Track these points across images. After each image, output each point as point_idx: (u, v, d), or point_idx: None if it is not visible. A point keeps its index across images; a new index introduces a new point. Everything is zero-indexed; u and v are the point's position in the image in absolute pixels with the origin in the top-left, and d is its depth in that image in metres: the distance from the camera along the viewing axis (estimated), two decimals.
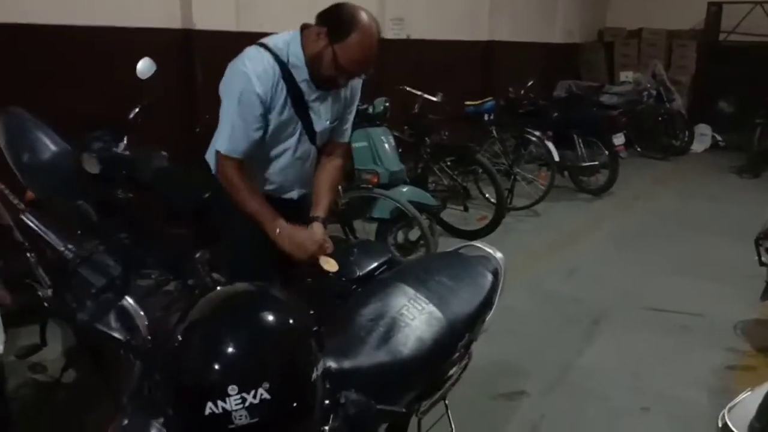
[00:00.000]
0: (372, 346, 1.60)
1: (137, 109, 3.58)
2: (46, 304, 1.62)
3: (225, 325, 1.10)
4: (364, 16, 2.05)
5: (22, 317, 2.35)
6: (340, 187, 3.85)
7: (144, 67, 3.54)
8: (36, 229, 1.06)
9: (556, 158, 5.86)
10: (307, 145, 2.31)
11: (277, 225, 2.15)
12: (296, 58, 2.13)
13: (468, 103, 5.81)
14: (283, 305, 1.20)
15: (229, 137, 2.15)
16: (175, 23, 4.65)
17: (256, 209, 2.18)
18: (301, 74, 2.14)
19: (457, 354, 1.82)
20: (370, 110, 4.22)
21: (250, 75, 2.08)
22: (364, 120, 4.17)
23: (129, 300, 1.08)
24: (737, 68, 8.80)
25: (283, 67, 2.12)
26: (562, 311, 3.81)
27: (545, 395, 2.89)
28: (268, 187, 2.33)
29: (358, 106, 4.26)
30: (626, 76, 9.42)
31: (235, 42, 4.82)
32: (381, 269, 2.01)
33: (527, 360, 3.17)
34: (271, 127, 2.18)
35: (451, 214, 5.09)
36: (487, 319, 1.96)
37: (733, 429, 1.58)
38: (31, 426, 2.53)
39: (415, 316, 1.72)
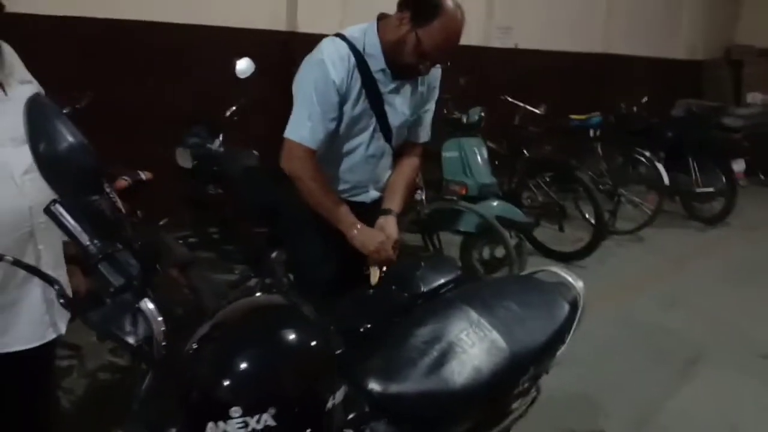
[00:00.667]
0: (422, 371, 1.49)
1: (234, 108, 3.67)
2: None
3: (237, 342, 1.03)
4: (449, 1, 1.96)
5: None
6: (423, 195, 3.75)
7: (243, 66, 3.62)
8: (62, 220, 1.04)
9: (666, 181, 5.45)
10: (381, 142, 2.19)
11: (353, 224, 2.08)
12: (372, 46, 2.05)
13: (573, 116, 5.54)
14: (304, 325, 1.11)
15: (303, 125, 2.03)
16: (280, 25, 4.74)
17: (329, 206, 2.10)
18: (376, 64, 2.05)
19: (519, 388, 1.67)
20: (465, 119, 4.09)
21: (326, 62, 2.00)
22: (457, 129, 4.05)
23: (148, 303, 1.04)
24: None
25: (359, 56, 2.04)
26: (655, 346, 3.50)
27: None
28: (339, 188, 2.21)
29: (452, 114, 4.21)
30: (754, 97, 8.70)
31: None
32: (448, 287, 1.90)
33: (609, 397, 2.92)
34: (344, 120, 2.08)
35: (546, 233, 4.86)
36: (558, 353, 1.79)
37: None
38: (103, 410, 2.60)
39: (475, 343, 1.59)
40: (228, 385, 0.98)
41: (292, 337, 1.06)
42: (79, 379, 2.78)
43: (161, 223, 2.72)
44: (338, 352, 1.13)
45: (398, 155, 2.30)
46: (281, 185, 2.21)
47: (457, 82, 4.42)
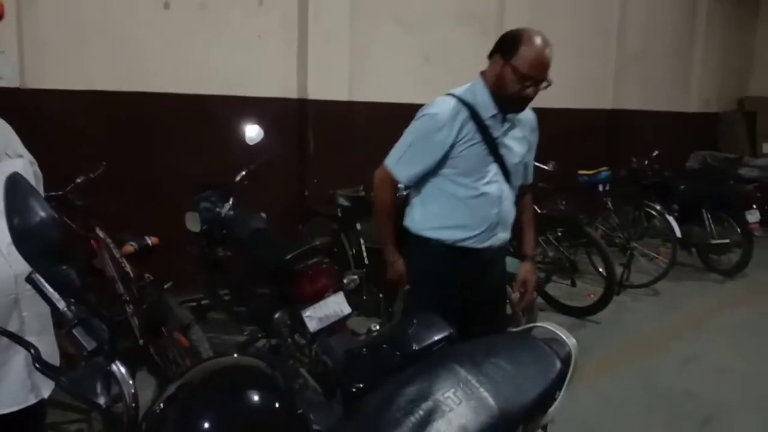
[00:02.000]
0: (407, 430, 1.49)
1: (244, 173, 3.78)
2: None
3: (198, 402, 1.07)
4: (526, 29, 2.26)
5: None
6: None
7: (252, 133, 3.75)
8: (42, 288, 1.10)
9: (678, 234, 5.42)
10: (503, 184, 2.39)
11: (395, 254, 2.48)
12: (481, 95, 2.32)
13: (581, 172, 5.58)
14: (267, 386, 1.14)
15: (396, 159, 2.39)
16: (292, 93, 4.90)
17: (386, 225, 2.48)
18: (486, 111, 2.31)
19: None
20: None
21: (433, 115, 2.30)
22: None
23: (119, 366, 1.08)
24: None
25: (470, 108, 2.30)
26: (669, 406, 3.41)
27: None
28: (472, 234, 2.39)
29: None
30: None
31: (346, 110, 5.07)
32: (440, 345, 1.91)
33: None
34: (463, 165, 2.32)
35: (558, 288, 4.84)
36: (550, 410, 1.78)
37: None
38: None
39: (462, 401, 1.59)
40: None
41: (253, 397, 1.09)
42: None
43: (166, 286, 2.78)
44: (300, 411, 1.14)
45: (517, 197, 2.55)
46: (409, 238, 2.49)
47: None
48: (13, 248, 1.64)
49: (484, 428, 1.56)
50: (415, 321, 2.09)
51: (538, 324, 2.06)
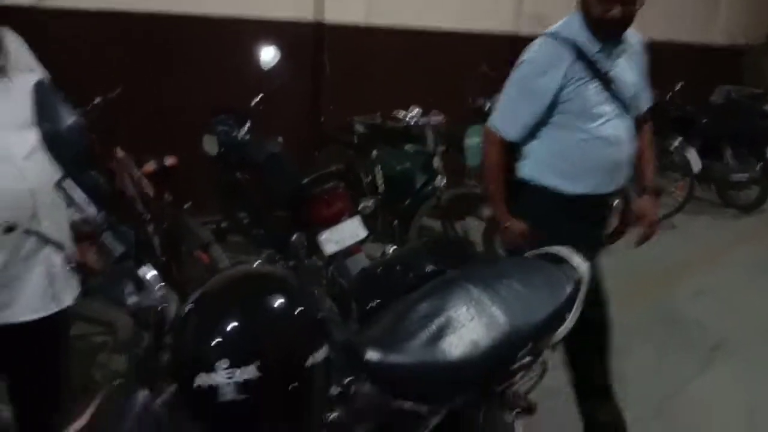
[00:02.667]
0: (420, 343, 1.54)
1: (259, 97, 3.76)
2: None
3: (225, 301, 1.13)
4: None
5: None
6: (443, 181, 3.75)
7: (267, 56, 3.70)
8: (71, 194, 1.13)
9: (695, 168, 5.37)
10: (621, 121, 2.22)
11: (508, 217, 2.33)
12: (578, 30, 2.15)
13: None
14: (289, 290, 1.20)
15: (503, 114, 2.25)
16: (308, 16, 4.81)
17: (497, 189, 2.32)
18: (591, 46, 2.14)
19: (518, 363, 1.71)
20: (487, 107, 4.11)
21: (532, 60, 2.17)
22: (480, 116, 4.07)
23: (149, 268, 1.12)
24: None
25: (572, 45, 2.14)
26: (680, 334, 3.48)
27: (639, 422, 2.65)
28: (592, 181, 2.24)
29: (475, 102, 4.23)
30: None
31: (364, 35, 4.97)
32: (453, 267, 1.94)
33: (628, 382, 2.93)
34: (576, 110, 2.17)
35: None
36: (559, 331, 1.83)
37: None
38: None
39: (474, 318, 1.63)
40: (216, 340, 1.07)
41: (275, 299, 1.14)
42: (112, 355, 2.92)
43: (185, 206, 2.83)
44: (318, 317, 1.19)
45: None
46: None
47: (480, 69, 4.43)
48: (28, 163, 1.67)
49: (494, 344, 1.60)
50: (434, 243, 2.13)
51: (552, 248, 2.08)
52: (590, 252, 2.09)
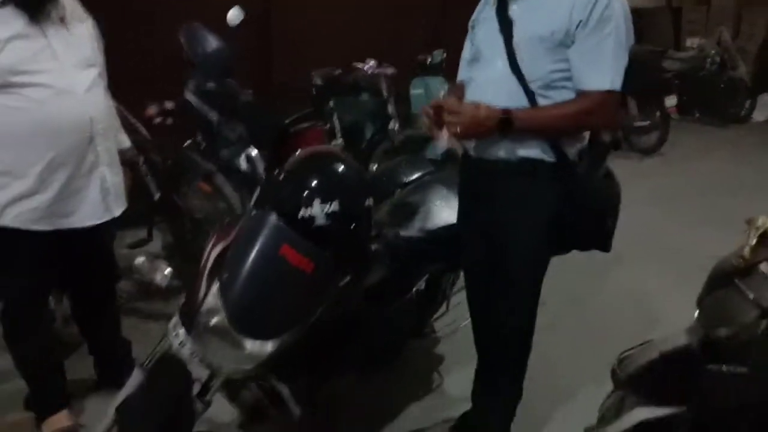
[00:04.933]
0: (411, 222, 2.19)
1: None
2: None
3: (313, 164, 1.79)
4: None
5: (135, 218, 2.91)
6: (396, 125, 4.28)
7: (233, 15, 4.08)
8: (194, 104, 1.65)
9: None
10: (499, 69, 1.85)
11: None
12: None
13: None
14: (348, 159, 1.84)
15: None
16: None
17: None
18: None
19: None
20: (429, 60, 4.69)
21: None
22: (422, 70, 4.65)
23: (254, 149, 1.67)
24: None
25: None
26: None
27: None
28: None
29: (417, 56, 4.78)
30: (692, 42, 9.44)
31: None
32: (423, 177, 2.56)
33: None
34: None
35: None
36: None
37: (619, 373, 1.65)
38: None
39: (444, 206, 2.27)
40: (312, 185, 1.68)
41: (342, 162, 1.78)
42: None
43: (186, 144, 3.24)
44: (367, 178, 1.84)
45: None
46: None
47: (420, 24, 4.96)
48: (89, 94, 2.12)
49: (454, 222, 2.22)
50: (404, 161, 2.74)
51: None
52: None
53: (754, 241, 1.53)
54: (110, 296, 2.51)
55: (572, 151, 1.90)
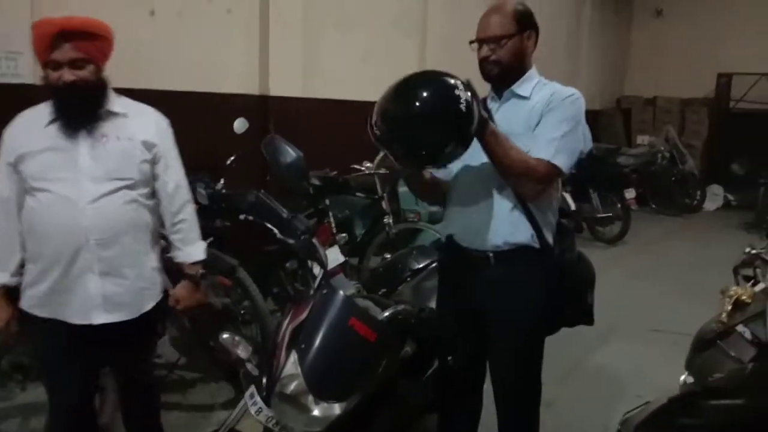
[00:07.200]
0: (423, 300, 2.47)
1: (233, 157, 4.51)
2: None
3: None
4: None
5: None
6: (390, 219, 4.63)
7: (239, 124, 4.48)
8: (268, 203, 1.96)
9: (573, 207, 6.67)
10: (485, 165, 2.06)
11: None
12: None
13: None
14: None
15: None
16: (254, 90, 5.68)
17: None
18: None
19: None
20: None
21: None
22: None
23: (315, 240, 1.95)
24: (747, 133, 9.61)
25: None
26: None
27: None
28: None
29: None
30: (642, 139, 10.28)
31: (301, 105, 5.87)
32: (432, 264, 2.87)
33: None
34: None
35: None
36: None
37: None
38: None
39: None
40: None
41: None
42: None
43: (207, 242, 3.46)
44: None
45: None
46: None
47: None
48: (93, 206, 2.15)
49: None
50: (414, 251, 3.06)
51: None
52: None
53: (729, 308, 1.86)
54: (148, 393, 2.56)
55: (549, 236, 2.11)
